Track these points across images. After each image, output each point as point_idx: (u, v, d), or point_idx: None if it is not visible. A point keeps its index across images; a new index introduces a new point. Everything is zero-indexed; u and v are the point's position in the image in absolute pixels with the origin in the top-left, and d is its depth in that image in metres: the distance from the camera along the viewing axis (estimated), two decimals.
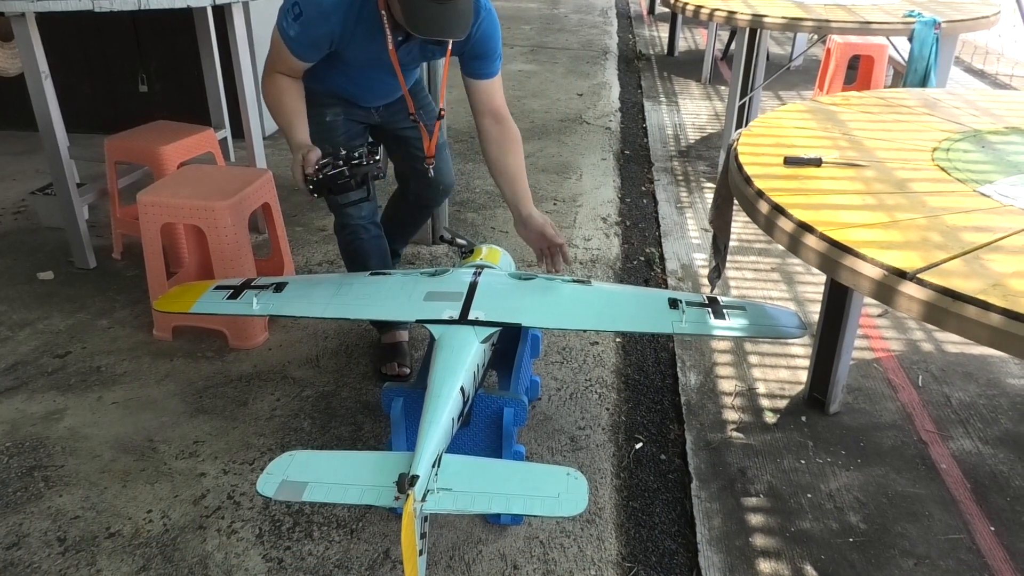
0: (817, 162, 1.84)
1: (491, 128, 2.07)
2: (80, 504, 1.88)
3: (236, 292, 1.92)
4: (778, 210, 1.59)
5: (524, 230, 2.05)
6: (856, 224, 1.52)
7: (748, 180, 1.75)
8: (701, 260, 3.25)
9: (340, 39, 1.91)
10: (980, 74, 6.51)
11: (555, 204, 3.66)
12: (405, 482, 1.34)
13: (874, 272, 1.37)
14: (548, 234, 2.01)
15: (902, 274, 1.33)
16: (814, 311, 2.77)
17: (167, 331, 2.55)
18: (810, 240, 1.49)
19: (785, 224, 1.56)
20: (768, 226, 1.62)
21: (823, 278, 2.47)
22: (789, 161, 1.84)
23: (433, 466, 1.41)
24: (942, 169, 1.84)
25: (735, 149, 1.95)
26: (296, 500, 1.39)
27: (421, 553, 1.35)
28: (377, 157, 1.85)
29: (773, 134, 2.09)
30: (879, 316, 2.82)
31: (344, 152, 1.85)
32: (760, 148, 1.96)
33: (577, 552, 1.76)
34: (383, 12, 1.86)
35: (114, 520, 1.83)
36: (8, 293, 2.82)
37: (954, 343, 2.65)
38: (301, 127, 1.97)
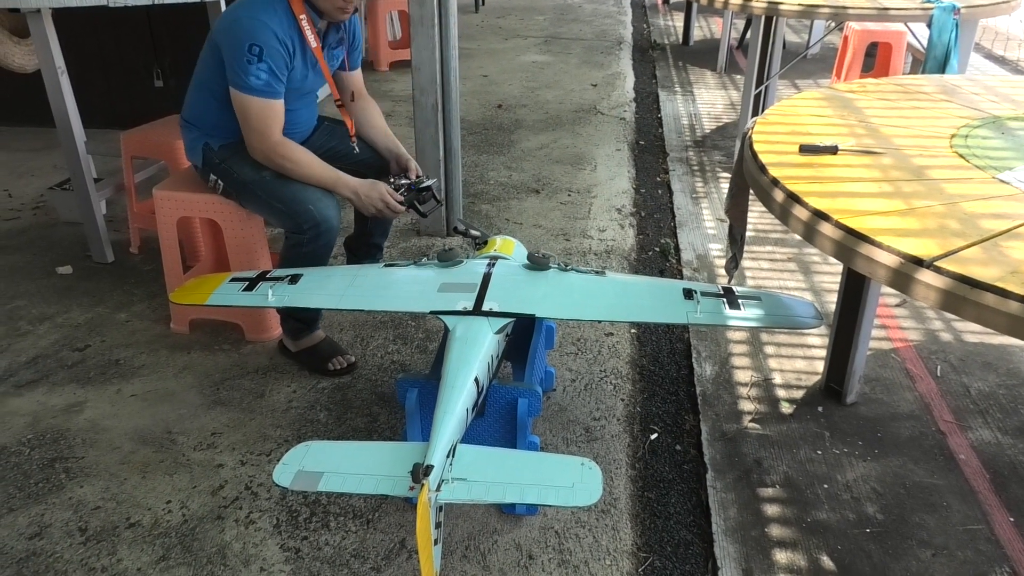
0: (833, 150, 1.82)
1: (359, 101, 2.48)
2: (101, 495, 1.90)
3: (252, 284, 1.93)
4: (793, 198, 1.58)
5: (396, 166, 2.42)
6: (872, 212, 1.50)
7: (763, 168, 1.73)
8: (717, 250, 3.23)
9: (292, 51, 2.13)
10: (1001, 60, 6.42)
11: (569, 195, 3.65)
12: (420, 472, 1.34)
13: (890, 260, 1.35)
14: (407, 164, 2.40)
15: (919, 262, 1.32)
16: (831, 301, 2.75)
17: (184, 324, 2.57)
18: (826, 228, 1.48)
19: (800, 212, 1.55)
20: (783, 214, 1.61)
21: (840, 268, 2.45)
22: (805, 149, 1.83)
23: (448, 456, 1.41)
24: (960, 156, 1.82)
25: (750, 137, 1.93)
26: (312, 490, 1.40)
27: (436, 543, 1.36)
28: (429, 177, 2.36)
29: (788, 122, 2.07)
30: (897, 306, 2.80)
31: (406, 179, 2.31)
32: (775, 136, 1.94)
33: (592, 542, 1.77)
34: (301, 17, 2.13)
35: (134, 511, 1.86)
36: (28, 288, 2.86)
37: (973, 332, 2.63)
38: (341, 173, 2.24)
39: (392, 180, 2.29)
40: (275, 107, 2.13)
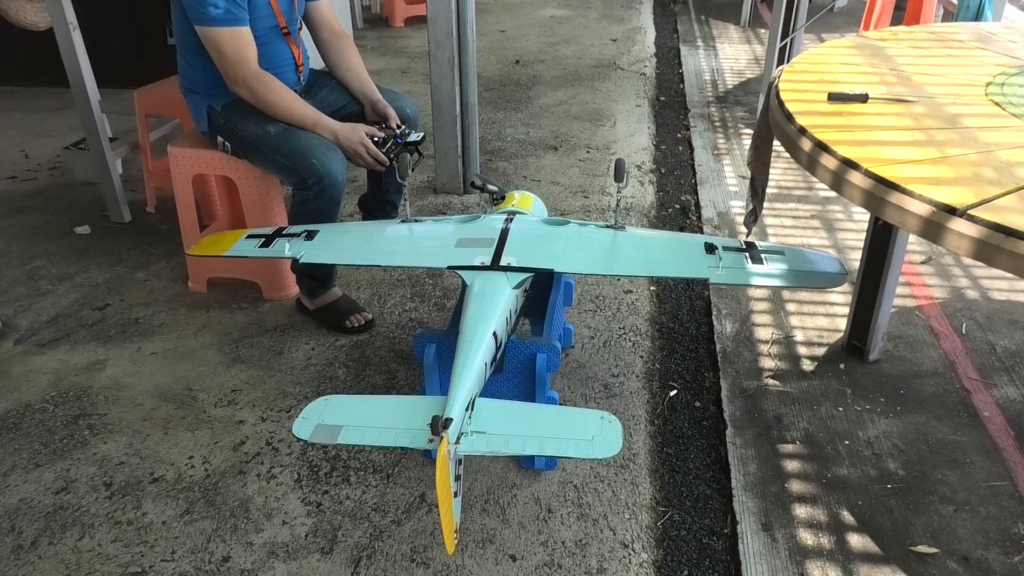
0: (863, 98, 1.76)
1: (330, 39, 2.39)
2: (124, 450, 1.92)
3: (268, 240, 1.91)
4: (821, 147, 1.53)
5: (373, 113, 2.36)
6: (904, 160, 1.46)
7: (790, 117, 1.68)
8: (738, 208, 3.18)
9: None
10: None
11: (588, 152, 3.60)
12: (439, 425, 1.33)
13: (922, 209, 1.31)
14: (385, 112, 2.33)
15: (952, 210, 1.27)
16: (855, 258, 2.70)
17: (202, 283, 2.58)
18: (855, 177, 1.43)
19: (828, 161, 1.50)
20: (810, 164, 1.56)
21: (864, 225, 2.39)
22: (833, 97, 1.77)
23: (467, 409, 1.41)
24: (996, 104, 1.76)
25: (776, 86, 1.88)
26: (331, 443, 1.40)
27: (456, 495, 1.36)
28: (415, 130, 2.31)
29: (817, 70, 2.00)
30: (922, 263, 2.75)
31: (390, 130, 2.24)
32: (803, 85, 1.88)
33: (611, 496, 1.76)
34: None
35: (157, 466, 1.87)
36: (47, 248, 2.87)
37: (1000, 290, 2.57)
38: (323, 114, 2.20)
39: (380, 128, 2.23)
40: (243, 34, 2.10)
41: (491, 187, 2.20)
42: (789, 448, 1.94)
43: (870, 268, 2.14)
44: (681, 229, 3.08)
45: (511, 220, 1.90)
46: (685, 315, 2.54)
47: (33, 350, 2.31)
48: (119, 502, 1.77)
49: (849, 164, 1.45)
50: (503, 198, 2.15)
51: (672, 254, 1.81)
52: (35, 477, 1.84)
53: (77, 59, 2.71)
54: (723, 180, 3.43)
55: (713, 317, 2.46)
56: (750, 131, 3.91)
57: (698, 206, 3.22)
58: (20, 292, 2.60)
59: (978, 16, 3.38)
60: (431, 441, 1.34)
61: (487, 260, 1.73)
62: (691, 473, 1.91)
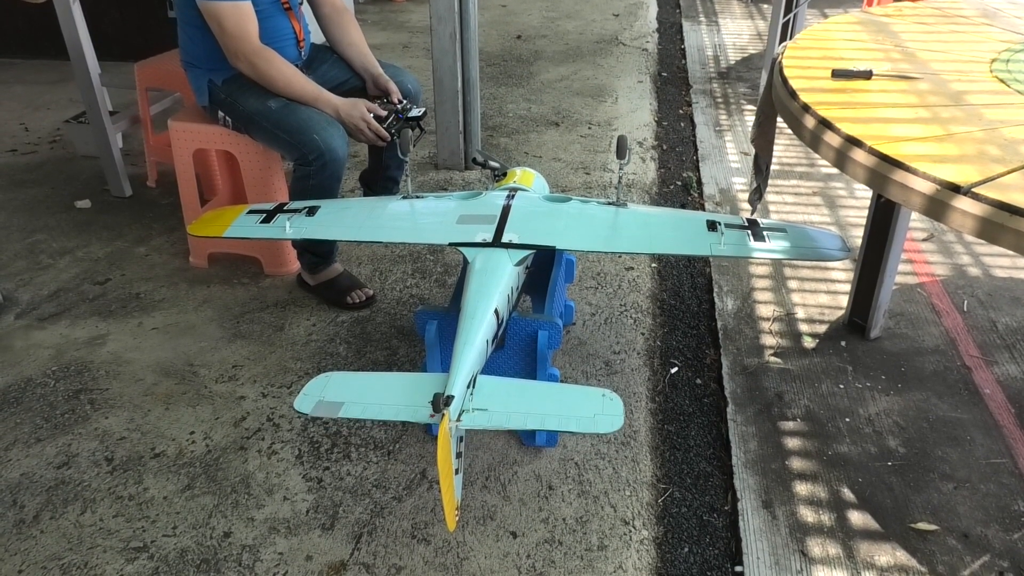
0: (867, 75, 1.75)
1: (331, 13, 2.38)
2: (125, 426, 1.93)
3: (269, 216, 1.91)
4: (825, 124, 1.52)
5: (374, 88, 2.35)
6: (908, 138, 1.45)
7: (793, 94, 1.67)
8: (740, 184, 3.16)
9: None
10: None
11: (590, 128, 3.58)
12: (440, 402, 1.34)
13: (926, 187, 1.30)
14: (387, 86, 2.33)
15: (956, 188, 1.27)
16: (857, 235, 2.69)
17: (203, 258, 2.57)
18: (858, 155, 1.42)
19: (832, 139, 1.49)
20: (814, 141, 1.55)
21: (866, 202, 2.38)
22: (837, 74, 1.75)
23: (468, 387, 1.41)
24: (1001, 81, 1.74)
25: (780, 62, 1.86)
26: (332, 416, 1.40)
27: (457, 472, 1.36)
28: (416, 106, 2.31)
29: (821, 47, 1.98)
30: (924, 240, 2.74)
31: (391, 105, 2.24)
32: (807, 61, 1.87)
33: (612, 473, 1.77)
34: None
35: (158, 441, 1.88)
36: (48, 222, 2.86)
37: (1002, 267, 2.57)
38: (324, 89, 2.19)
39: (381, 103, 2.22)
40: (244, 8, 2.08)
41: (492, 163, 2.18)
42: (790, 425, 1.95)
43: (872, 245, 2.13)
44: (683, 206, 3.07)
45: (513, 197, 1.89)
46: (686, 292, 2.54)
47: (34, 324, 2.31)
48: (120, 477, 1.78)
49: (853, 141, 1.44)
50: (505, 174, 2.13)
51: (674, 231, 1.80)
52: (36, 452, 1.85)
53: (77, 31, 2.69)
54: (725, 157, 3.41)
55: (714, 294, 2.46)
56: (752, 107, 3.88)
57: (700, 183, 3.20)
58: (21, 266, 2.59)
59: None
60: (432, 417, 1.34)
61: (489, 237, 1.72)
62: (692, 450, 1.92)
